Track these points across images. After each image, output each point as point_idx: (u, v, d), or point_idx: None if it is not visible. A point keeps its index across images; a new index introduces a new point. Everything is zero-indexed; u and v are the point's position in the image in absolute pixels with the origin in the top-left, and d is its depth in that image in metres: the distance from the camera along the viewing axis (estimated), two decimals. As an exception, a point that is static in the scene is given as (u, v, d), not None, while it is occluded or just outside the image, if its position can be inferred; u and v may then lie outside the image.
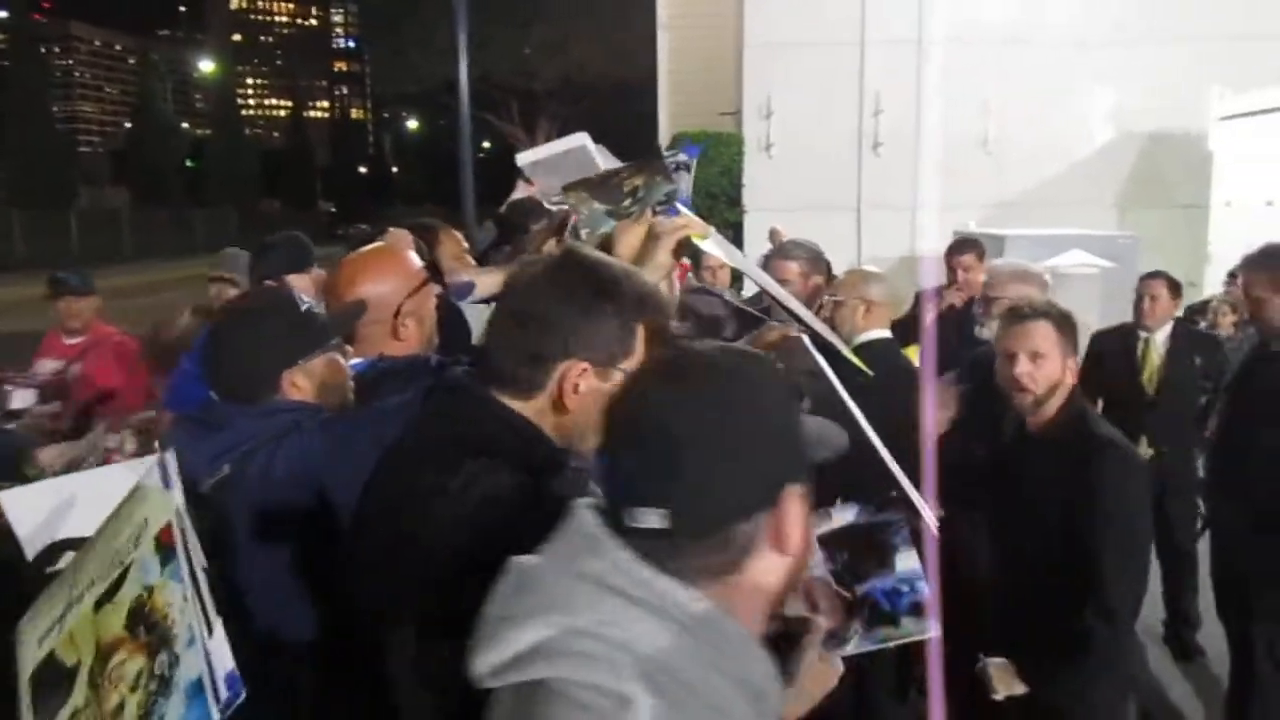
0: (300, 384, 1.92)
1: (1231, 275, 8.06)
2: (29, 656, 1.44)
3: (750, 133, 13.90)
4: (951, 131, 12.62)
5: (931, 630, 1.59)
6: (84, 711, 1.37)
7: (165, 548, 1.38)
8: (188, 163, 70.15)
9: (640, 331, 1.53)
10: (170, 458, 1.48)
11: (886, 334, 3.57)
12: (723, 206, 13.65)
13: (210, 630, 1.30)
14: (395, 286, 2.20)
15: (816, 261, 4.24)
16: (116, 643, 1.37)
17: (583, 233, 2.38)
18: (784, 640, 1.56)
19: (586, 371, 1.46)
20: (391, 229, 3.63)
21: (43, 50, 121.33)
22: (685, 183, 2.35)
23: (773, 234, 8.21)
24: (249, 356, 1.89)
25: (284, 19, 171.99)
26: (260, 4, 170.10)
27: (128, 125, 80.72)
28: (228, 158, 64.53)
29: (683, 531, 0.95)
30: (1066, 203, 12.80)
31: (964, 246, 5.48)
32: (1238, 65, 11.98)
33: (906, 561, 1.67)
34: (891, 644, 1.58)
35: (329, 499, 1.72)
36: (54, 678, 1.40)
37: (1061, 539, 2.57)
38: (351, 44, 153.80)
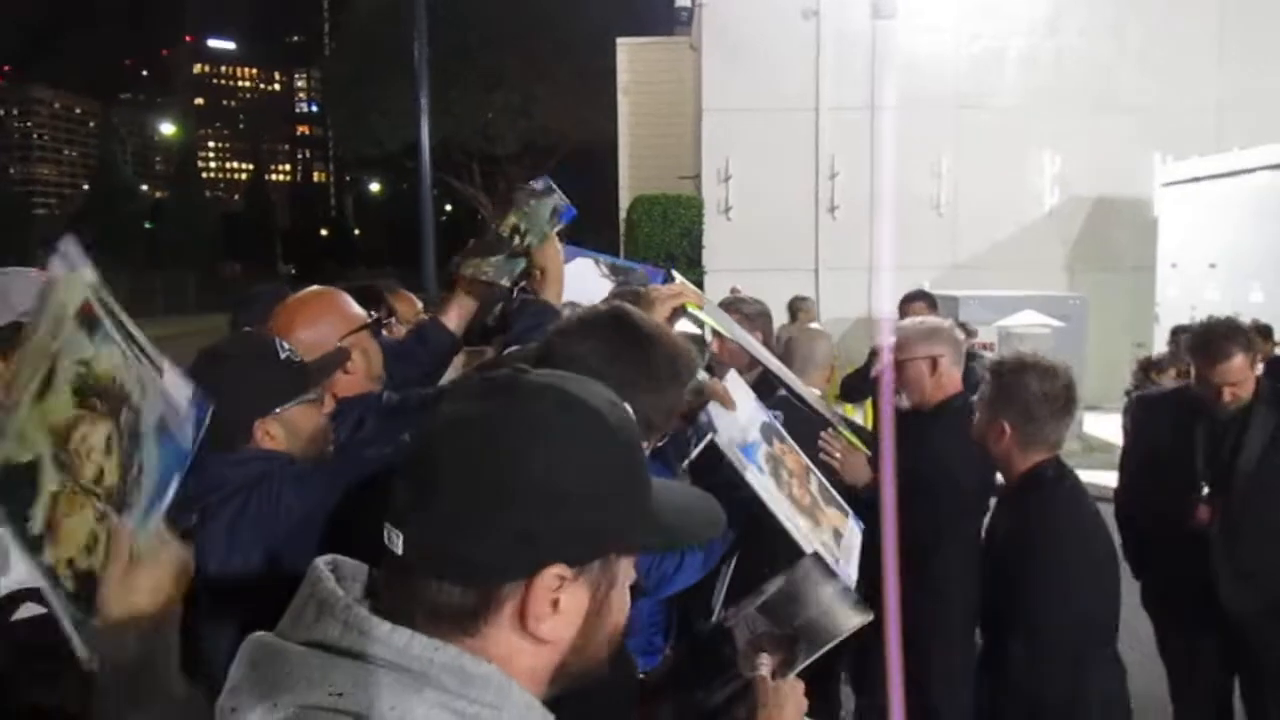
0: (274, 433, 1.83)
1: (1174, 333, 8.22)
2: None
3: (709, 196, 14.12)
4: (905, 195, 12.91)
5: (866, 617, 1.65)
6: (63, 492, 1.33)
7: (89, 319, 1.33)
8: (146, 225, 69.65)
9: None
10: (70, 243, 1.43)
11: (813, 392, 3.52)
12: (683, 268, 13.78)
13: (160, 371, 1.32)
14: (331, 326, 2.17)
15: (756, 318, 4.27)
16: (73, 421, 1.32)
17: (503, 281, 2.45)
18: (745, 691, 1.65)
19: None
20: (400, 291, 3.66)
21: (1, 113, 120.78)
22: (557, 198, 2.42)
23: (733, 294, 8.31)
24: (221, 403, 1.83)
25: (246, 84, 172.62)
26: (223, 69, 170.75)
27: (86, 188, 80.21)
28: (187, 220, 64.16)
29: (412, 565, 0.84)
30: (1017, 265, 13.08)
31: (914, 297, 5.71)
32: (1177, 133, 12.41)
33: (834, 587, 1.73)
34: (834, 642, 1.64)
35: (290, 563, 1.69)
36: (16, 478, 1.34)
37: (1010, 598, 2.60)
38: (314, 108, 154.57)
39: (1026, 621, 2.47)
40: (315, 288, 2.41)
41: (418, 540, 0.84)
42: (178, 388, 1.33)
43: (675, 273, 2.48)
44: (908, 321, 3.66)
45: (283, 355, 1.89)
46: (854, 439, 2.83)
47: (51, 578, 1.33)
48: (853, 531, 2.12)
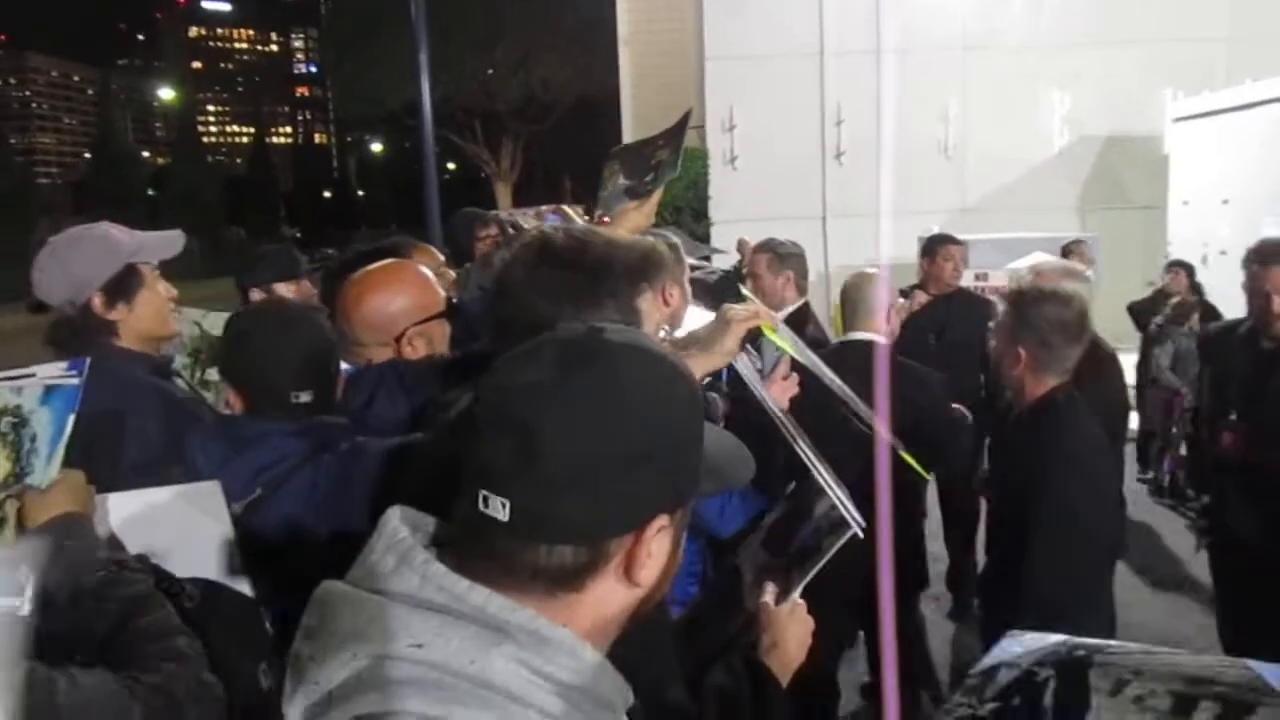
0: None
1: (1171, 266, 8.20)
2: None
3: (714, 146, 13.98)
4: (912, 139, 12.75)
5: (853, 526, 1.66)
6: None
7: None
8: (149, 191, 69.48)
9: (647, 298, 1.60)
10: None
11: (867, 336, 3.55)
12: (689, 219, 13.71)
13: (33, 374, 1.73)
14: (404, 310, 2.11)
15: (788, 258, 4.29)
16: None
17: (598, 214, 2.42)
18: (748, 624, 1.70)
19: None
20: (420, 245, 3.61)
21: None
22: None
23: (740, 244, 8.27)
24: (292, 358, 1.89)
25: (244, 45, 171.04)
26: (219, 31, 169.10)
27: (87, 156, 79.81)
28: (190, 186, 63.98)
29: (520, 530, 0.86)
30: (1027, 207, 12.95)
31: (943, 240, 5.65)
32: (1188, 68, 12.21)
33: (824, 505, 1.76)
34: (822, 562, 1.67)
35: (358, 527, 1.68)
36: None
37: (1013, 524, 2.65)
38: (313, 69, 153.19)
39: (1033, 540, 2.54)
40: (395, 262, 2.36)
41: (525, 506, 0.86)
42: (52, 369, 1.74)
43: (748, 292, 2.50)
44: (1043, 262, 3.91)
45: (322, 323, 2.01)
46: (910, 459, 2.79)
47: None
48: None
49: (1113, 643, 1.27)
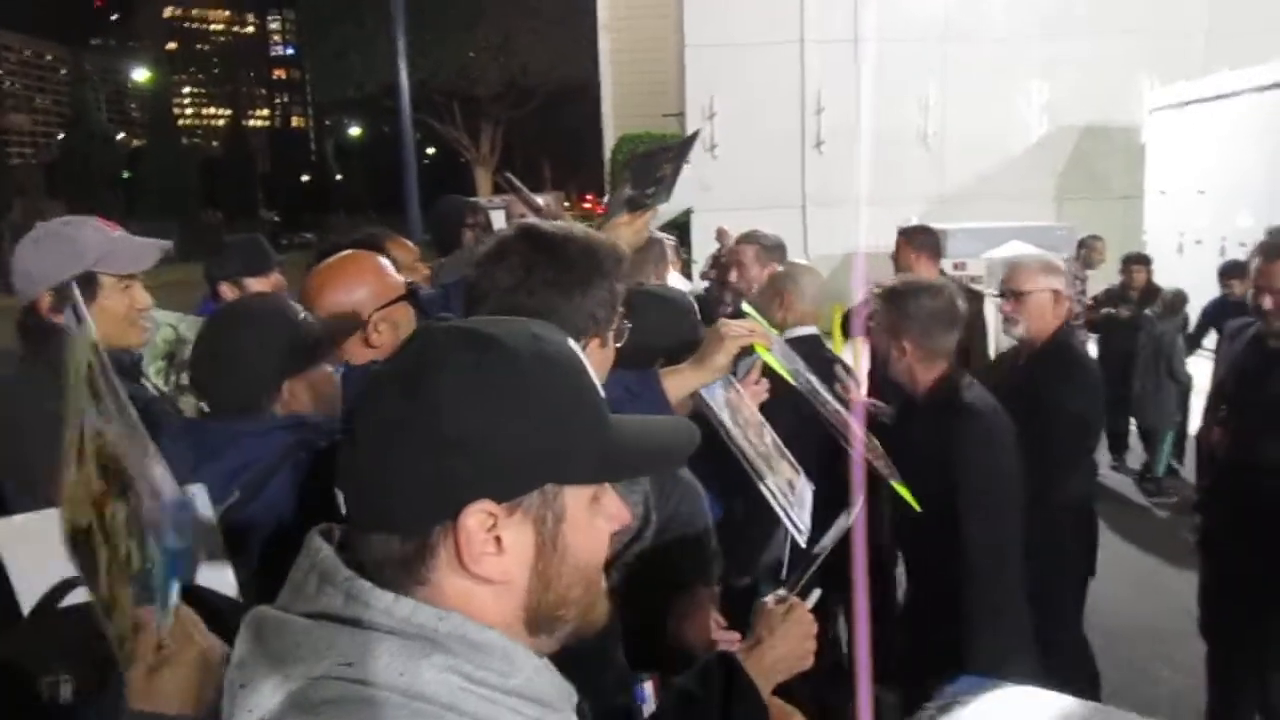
0: (299, 395, 1.83)
1: (1126, 262, 8.21)
2: (62, 523, 1.26)
3: (694, 133, 13.95)
4: (891, 128, 12.78)
5: (843, 522, 1.68)
6: (113, 564, 1.23)
7: (93, 390, 1.20)
8: (124, 174, 68.71)
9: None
10: (73, 290, 1.49)
11: (810, 331, 3.45)
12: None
13: (147, 451, 1.23)
14: (368, 296, 2.09)
15: (774, 249, 4.33)
16: (103, 497, 1.22)
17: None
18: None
19: (593, 345, 1.53)
20: (395, 238, 3.55)
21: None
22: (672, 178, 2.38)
23: (719, 234, 8.26)
24: (252, 362, 1.80)
25: (219, 26, 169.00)
26: (195, 12, 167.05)
27: (61, 136, 78.81)
28: (166, 168, 63.29)
29: (353, 520, 0.88)
30: (1005, 196, 13.02)
31: (916, 231, 5.64)
32: (1166, 59, 12.29)
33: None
34: (817, 563, 1.66)
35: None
36: (79, 541, 1.25)
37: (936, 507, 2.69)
38: (290, 51, 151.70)
39: (964, 509, 2.66)
40: (351, 252, 2.32)
41: (352, 498, 0.88)
42: (164, 478, 1.25)
43: (748, 306, 2.51)
44: (1023, 256, 3.86)
45: (300, 317, 1.88)
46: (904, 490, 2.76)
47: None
48: (805, 486, 2.12)
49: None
